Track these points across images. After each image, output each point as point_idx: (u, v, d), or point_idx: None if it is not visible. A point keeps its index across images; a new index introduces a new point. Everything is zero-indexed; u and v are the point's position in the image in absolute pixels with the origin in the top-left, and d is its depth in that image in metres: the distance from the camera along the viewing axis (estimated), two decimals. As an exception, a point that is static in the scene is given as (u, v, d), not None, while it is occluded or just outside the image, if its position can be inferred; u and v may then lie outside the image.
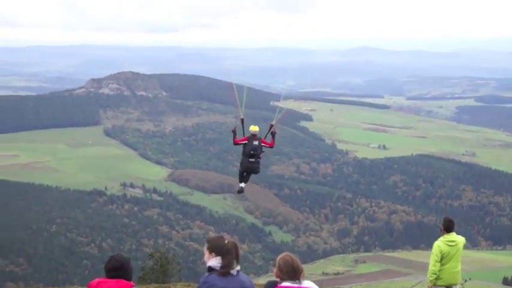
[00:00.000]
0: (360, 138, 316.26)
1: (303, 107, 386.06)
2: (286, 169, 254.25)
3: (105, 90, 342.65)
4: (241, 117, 30.48)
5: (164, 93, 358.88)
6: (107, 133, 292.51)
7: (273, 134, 30.43)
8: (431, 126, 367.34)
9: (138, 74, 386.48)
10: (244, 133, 30.37)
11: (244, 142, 29.45)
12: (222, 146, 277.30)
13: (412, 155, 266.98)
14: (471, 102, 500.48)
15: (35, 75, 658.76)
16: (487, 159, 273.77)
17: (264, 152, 29.94)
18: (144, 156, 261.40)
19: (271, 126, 31.10)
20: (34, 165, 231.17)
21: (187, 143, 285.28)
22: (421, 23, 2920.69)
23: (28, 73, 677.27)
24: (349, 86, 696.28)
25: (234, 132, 29.82)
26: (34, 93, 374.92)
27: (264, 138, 30.50)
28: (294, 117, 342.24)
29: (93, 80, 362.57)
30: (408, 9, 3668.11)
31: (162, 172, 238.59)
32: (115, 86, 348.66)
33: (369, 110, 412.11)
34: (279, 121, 31.77)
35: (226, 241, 9.88)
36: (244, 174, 30.48)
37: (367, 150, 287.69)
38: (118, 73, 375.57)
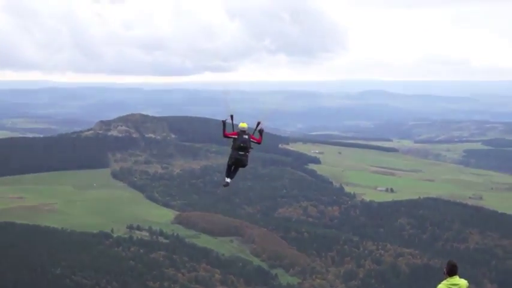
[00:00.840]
0: (367, 181, 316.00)
1: (311, 150, 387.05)
2: (293, 212, 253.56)
3: (114, 133, 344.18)
4: (231, 114, 32.30)
5: (173, 136, 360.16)
6: (115, 175, 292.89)
7: (261, 132, 33.57)
8: (439, 170, 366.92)
9: (147, 116, 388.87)
10: (233, 128, 33.11)
11: (234, 136, 32.50)
12: (230, 188, 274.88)
13: (419, 198, 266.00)
14: (479, 146, 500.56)
15: (44, 117, 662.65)
16: (494, 202, 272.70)
17: (252, 148, 32.75)
18: (152, 198, 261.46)
19: (259, 123, 33.88)
20: (41, 207, 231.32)
21: (195, 186, 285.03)
22: (429, 68, 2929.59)
23: (37, 115, 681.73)
24: (357, 128, 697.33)
25: (224, 123, 32.48)
26: (42, 135, 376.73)
27: (253, 135, 33.24)
28: (302, 160, 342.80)
29: (101, 122, 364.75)
30: (416, 52, 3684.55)
31: (169, 214, 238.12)
32: (124, 128, 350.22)
33: (377, 153, 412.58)
34: (265, 119, 34.38)
35: None
36: (232, 169, 33.27)
37: (375, 193, 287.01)
38: (127, 115, 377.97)
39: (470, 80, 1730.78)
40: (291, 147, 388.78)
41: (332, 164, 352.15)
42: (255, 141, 33.33)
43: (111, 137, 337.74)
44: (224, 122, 32.80)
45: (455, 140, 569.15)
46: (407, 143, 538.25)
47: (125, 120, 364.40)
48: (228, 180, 33.43)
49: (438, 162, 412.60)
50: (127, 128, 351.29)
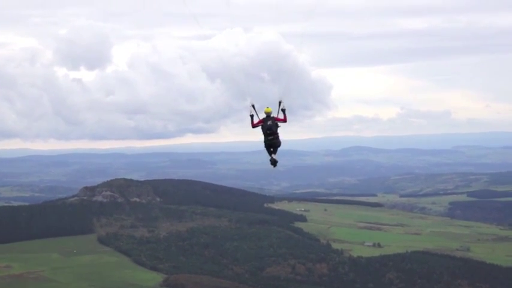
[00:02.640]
0: (354, 237, 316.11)
1: (297, 208, 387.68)
2: (282, 270, 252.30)
3: (99, 198, 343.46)
4: (252, 103, 36.61)
5: (158, 199, 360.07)
6: (101, 241, 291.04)
7: (283, 110, 36.65)
8: (425, 223, 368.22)
9: (131, 180, 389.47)
10: (258, 116, 36.61)
11: (260, 124, 36.24)
12: (217, 249, 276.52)
13: (407, 252, 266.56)
14: (464, 198, 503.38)
15: (28, 185, 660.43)
16: (482, 253, 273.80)
17: (279, 126, 36.43)
18: (139, 262, 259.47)
19: (280, 103, 36.91)
20: (28, 275, 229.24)
21: (182, 248, 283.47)
22: (411, 122, 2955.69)
23: (21, 183, 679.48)
24: (342, 185, 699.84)
25: (251, 116, 36.47)
26: (27, 203, 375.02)
27: (277, 116, 36.81)
28: (288, 218, 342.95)
29: (86, 188, 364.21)
30: (396, 108, 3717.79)
31: (157, 278, 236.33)
32: (108, 193, 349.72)
33: (363, 208, 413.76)
34: (284, 96, 37.16)
35: None
36: (271, 150, 37.00)
37: (362, 249, 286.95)
38: (111, 180, 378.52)
39: (452, 132, 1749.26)
40: (277, 206, 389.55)
41: (318, 221, 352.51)
42: (281, 121, 36.69)
43: (96, 203, 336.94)
44: (251, 116, 36.50)
45: (440, 192, 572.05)
46: (393, 198, 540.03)
47: (109, 185, 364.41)
48: (273, 156, 37.42)
49: (424, 216, 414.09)
50: (112, 193, 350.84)
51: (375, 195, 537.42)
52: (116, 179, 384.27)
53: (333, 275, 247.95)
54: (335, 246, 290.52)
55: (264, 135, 36.21)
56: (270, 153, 36.93)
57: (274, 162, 37.76)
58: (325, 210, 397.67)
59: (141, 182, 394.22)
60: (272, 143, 36.34)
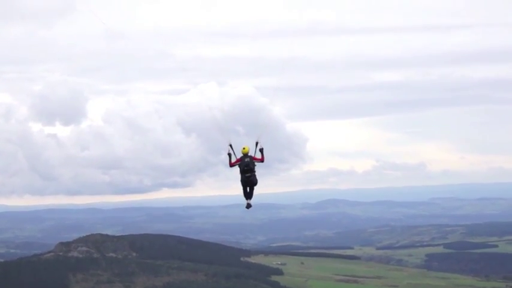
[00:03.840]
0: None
1: (273, 262, 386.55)
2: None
3: (74, 253, 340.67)
4: (230, 143, 36.54)
5: (134, 254, 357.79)
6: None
7: (261, 150, 38.04)
8: (402, 275, 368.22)
9: (107, 235, 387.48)
10: (235, 155, 38.00)
11: (237, 163, 37.58)
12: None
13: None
14: (440, 250, 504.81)
15: (3, 241, 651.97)
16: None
17: (256, 165, 37.69)
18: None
19: (257, 143, 38.66)
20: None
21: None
22: (386, 174, 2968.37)
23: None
24: (318, 238, 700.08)
25: (229, 155, 37.93)
26: (2, 260, 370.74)
27: (254, 156, 38.47)
28: (264, 272, 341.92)
29: (61, 243, 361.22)
30: (372, 161, 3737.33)
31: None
32: (84, 249, 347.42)
33: (340, 261, 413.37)
34: (261, 137, 38.41)
35: None
36: (248, 191, 38.01)
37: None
38: (87, 236, 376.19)
39: (428, 184, 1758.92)
40: (253, 259, 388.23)
41: (295, 275, 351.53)
42: (258, 160, 38.27)
43: (71, 258, 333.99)
44: (229, 154, 38.01)
45: (417, 244, 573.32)
46: (369, 250, 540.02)
47: (85, 240, 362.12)
48: (249, 201, 38.47)
49: (400, 267, 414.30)
50: (87, 249, 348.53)
51: (351, 248, 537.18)
52: (92, 235, 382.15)
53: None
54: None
55: (241, 173, 37.71)
56: (246, 196, 38.06)
57: (248, 207, 38.66)
58: (302, 263, 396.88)
59: (117, 237, 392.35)
60: (249, 180, 37.70)
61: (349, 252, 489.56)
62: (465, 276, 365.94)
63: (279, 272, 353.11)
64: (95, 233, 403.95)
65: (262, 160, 38.07)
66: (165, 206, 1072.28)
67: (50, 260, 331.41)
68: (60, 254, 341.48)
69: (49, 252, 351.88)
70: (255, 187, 38.83)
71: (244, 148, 37.92)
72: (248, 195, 38.18)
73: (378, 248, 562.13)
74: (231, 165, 38.23)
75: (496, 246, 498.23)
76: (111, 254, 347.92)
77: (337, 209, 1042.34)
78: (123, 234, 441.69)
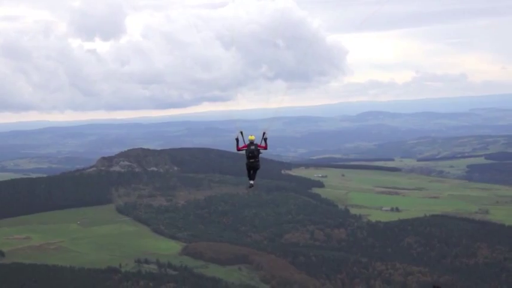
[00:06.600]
0: (372, 202, 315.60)
1: (314, 174, 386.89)
2: (300, 236, 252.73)
3: (116, 168, 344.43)
4: (240, 130, 42.22)
5: (175, 168, 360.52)
6: (120, 210, 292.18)
7: (265, 140, 42.59)
8: (443, 186, 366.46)
9: (148, 150, 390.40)
10: (244, 141, 42.71)
11: (244, 149, 42.26)
12: (236, 217, 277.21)
13: (425, 215, 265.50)
14: (481, 160, 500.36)
15: (46, 156, 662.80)
16: (500, 216, 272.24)
17: (261, 153, 42.47)
18: (158, 231, 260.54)
19: (264, 133, 42.76)
20: (47, 246, 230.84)
21: (200, 216, 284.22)
22: (427, 86, 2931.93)
23: (38, 155, 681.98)
24: (359, 150, 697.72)
25: (237, 140, 42.41)
26: (45, 175, 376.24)
27: (260, 144, 42.57)
28: (305, 185, 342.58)
29: (103, 158, 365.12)
30: (412, 72, 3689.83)
31: (176, 246, 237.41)
32: (126, 163, 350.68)
33: (380, 173, 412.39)
34: (268, 128, 42.91)
35: None
36: (251, 173, 42.86)
37: (380, 214, 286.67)
38: (128, 150, 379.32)
39: (469, 95, 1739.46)
40: (294, 172, 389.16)
41: (336, 187, 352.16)
42: (262, 148, 42.60)
43: (113, 173, 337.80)
44: (237, 139, 42.34)
45: (458, 155, 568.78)
46: (410, 162, 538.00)
47: (126, 155, 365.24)
48: (251, 182, 43.27)
49: (442, 179, 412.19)
50: (129, 163, 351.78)
51: (392, 159, 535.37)
52: (133, 149, 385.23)
53: (351, 240, 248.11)
54: (353, 211, 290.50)
55: (247, 158, 42.26)
56: (250, 177, 42.86)
57: (251, 186, 43.83)
58: (343, 175, 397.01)
59: (158, 151, 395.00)
60: (253, 165, 42.48)
61: (389, 164, 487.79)
62: (507, 187, 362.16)
63: (319, 184, 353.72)
64: (136, 147, 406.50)
65: (265, 148, 42.77)
66: (206, 120, 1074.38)
67: (93, 175, 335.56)
68: (102, 168, 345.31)
69: (91, 167, 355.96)
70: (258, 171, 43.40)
71: (251, 136, 42.29)
72: (252, 176, 43.07)
73: (418, 160, 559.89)
74: (238, 149, 42.80)
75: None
76: (152, 168, 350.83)
77: (377, 121, 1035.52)
78: (164, 148, 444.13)
